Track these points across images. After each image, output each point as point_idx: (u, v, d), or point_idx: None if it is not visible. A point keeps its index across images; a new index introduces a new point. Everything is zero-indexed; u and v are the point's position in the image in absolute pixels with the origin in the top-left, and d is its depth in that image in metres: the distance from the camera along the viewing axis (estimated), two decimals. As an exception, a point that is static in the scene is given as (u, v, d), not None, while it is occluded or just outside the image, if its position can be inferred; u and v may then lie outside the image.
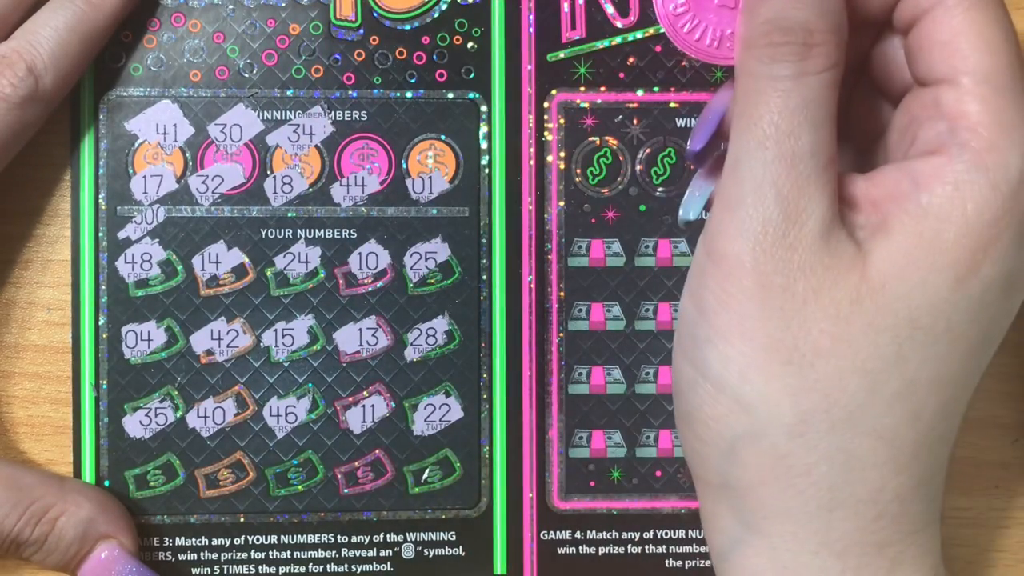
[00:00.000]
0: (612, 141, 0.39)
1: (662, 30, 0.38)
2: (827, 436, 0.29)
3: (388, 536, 0.39)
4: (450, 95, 0.39)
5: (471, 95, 0.39)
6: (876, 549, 0.29)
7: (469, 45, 0.39)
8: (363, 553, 0.39)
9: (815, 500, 0.29)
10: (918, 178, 0.29)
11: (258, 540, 0.39)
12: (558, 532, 0.39)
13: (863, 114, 0.35)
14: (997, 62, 0.29)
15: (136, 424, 0.38)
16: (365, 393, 0.39)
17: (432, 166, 0.39)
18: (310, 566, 0.39)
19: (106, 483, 0.38)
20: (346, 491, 0.39)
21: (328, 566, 0.39)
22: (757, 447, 0.29)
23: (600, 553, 0.39)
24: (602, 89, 0.39)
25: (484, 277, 0.39)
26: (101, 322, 0.38)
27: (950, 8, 0.30)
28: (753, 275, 0.29)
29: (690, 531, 0.39)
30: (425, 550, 0.39)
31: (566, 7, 0.39)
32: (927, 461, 0.30)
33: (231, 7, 0.38)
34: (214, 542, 0.39)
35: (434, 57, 0.39)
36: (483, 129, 0.39)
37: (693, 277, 0.31)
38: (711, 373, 0.30)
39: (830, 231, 0.29)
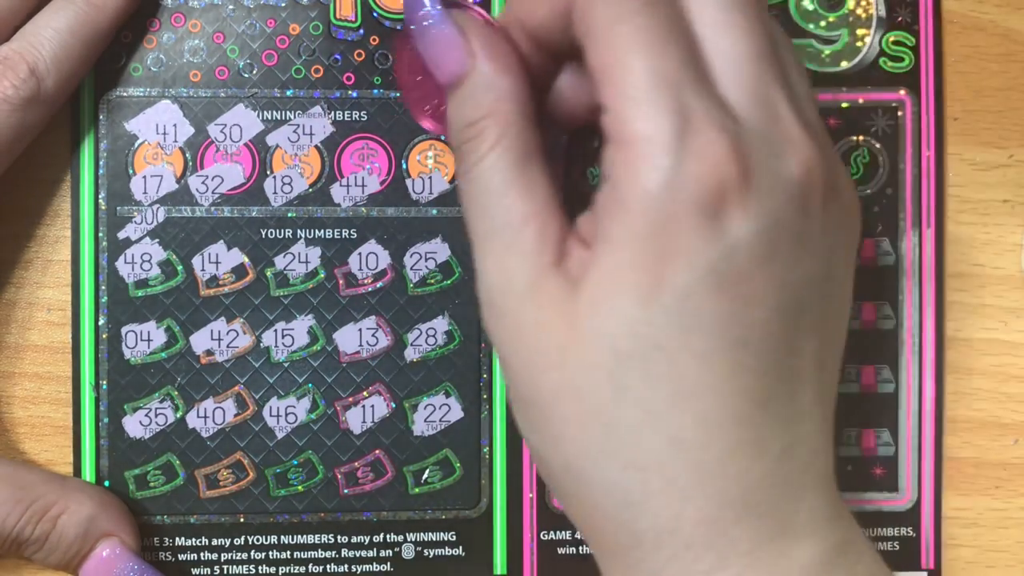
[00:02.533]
0: (612, 141, 0.39)
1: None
2: (595, 477, 0.29)
3: (388, 536, 0.39)
4: (450, 95, 0.39)
5: (471, 95, 0.39)
6: None
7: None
8: (363, 553, 0.39)
9: (620, 539, 0.29)
10: (597, 208, 0.29)
11: (258, 540, 0.39)
12: (558, 532, 0.39)
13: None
14: (631, 76, 0.28)
15: (136, 424, 0.38)
16: (365, 393, 0.39)
17: (432, 166, 0.39)
18: (310, 566, 0.39)
19: (106, 483, 0.38)
20: (346, 491, 0.39)
21: (328, 566, 0.39)
22: (572, 510, 0.31)
23: (600, 553, 0.39)
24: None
25: (484, 277, 0.39)
26: (101, 322, 0.38)
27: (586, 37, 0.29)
28: (499, 346, 0.30)
29: (690, 531, 0.39)
30: (425, 550, 0.39)
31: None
32: (730, 479, 0.28)
33: (231, 7, 0.38)
34: (214, 542, 0.39)
35: (434, 57, 0.39)
36: (483, 129, 0.39)
37: None
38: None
39: (538, 286, 0.29)
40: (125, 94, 0.38)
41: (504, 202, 0.30)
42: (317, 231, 0.39)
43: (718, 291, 0.28)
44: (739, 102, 0.28)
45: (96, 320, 0.38)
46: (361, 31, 0.39)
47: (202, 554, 0.39)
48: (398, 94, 0.39)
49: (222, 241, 0.38)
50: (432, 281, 0.39)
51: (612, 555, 0.30)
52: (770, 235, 0.28)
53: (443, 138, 0.39)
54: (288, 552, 0.39)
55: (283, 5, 0.38)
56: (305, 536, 0.39)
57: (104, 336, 0.38)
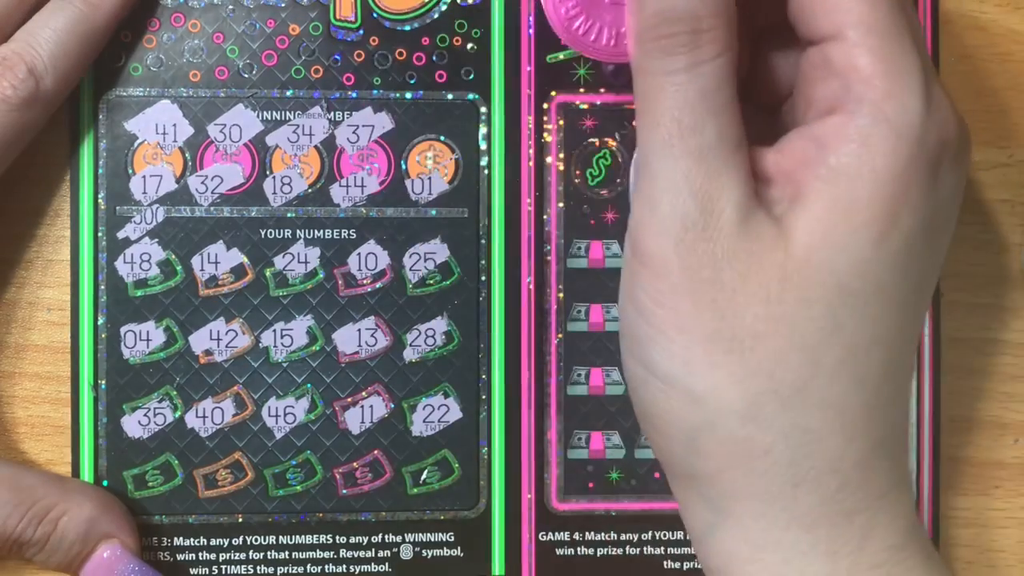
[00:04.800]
0: (611, 142, 0.39)
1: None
2: (779, 415, 0.29)
3: (386, 537, 0.39)
4: (450, 96, 0.39)
5: (470, 96, 0.39)
6: (845, 518, 0.29)
7: (469, 46, 0.39)
8: (361, 554, 0.39)
9: (778, 478, 0.29)
10: (822, 140, 0.29)
11: (256, 540, 0.39)
12: (556, 533, 0.39)
13: (766, 81, 0.34)
14: (878, 10, 0.29)
15: (135, 424, 0.38)
16: (364, 394, 0.39)
17: (431, 167, 0.39)
18: (308, 566, 0.39)
19: (104, 483, 0.38)
20: (344, 492, 0.39)
21: (326, 567, 0.39)
22: (714, 436, 0.29)
23: (598, 554, 0.39)
24: (601, 91, 0.39)
25: (483, 278, 0.39)
26: (100, 322, 0.38)
27: None
28: (680, 272, 0.29)
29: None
30: (423, 551, 0.39)
31: (565, 8, 0.39)
32: (880, 423, 0.29)
33: (231, 7, 0.38)
34: (212, 542, 0.39)
35: (434, 58, 0.39)
36: (482, 130, 0.39)
37: (625, 278, 0.31)
38: (659, 370, 0.30)
39: (748, 215, 0.29)
40: (125, 94, 0.38)
41: (723, 118, 0.29)
42: (316, 231, 0.39)
43: (929, 241, 0.29)
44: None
45: (95, 320, 0.38)
46: (361, 31, 0.39)
47: (200, 554, 0.39)
48: (410, 95, 0.39)
49: (221, 241, 0.38)
50: (431, 282, 0.39)
51: (763, 495, 0.30)
52: (955, 194, 0.30)
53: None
54: (286, 552, 0.39)
55: (283, 5, 0.38)
56: (303, 536, 0.39)
57: (103, 336, 0.38)
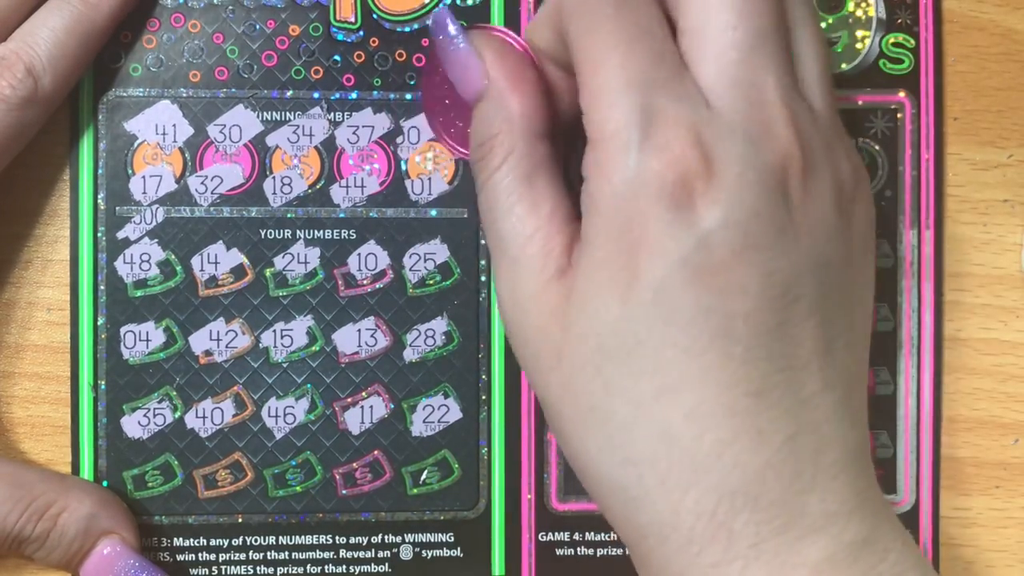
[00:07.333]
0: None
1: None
2: (600, 481, 0.30)
3: (386, 537, 0.39)
4: (449, 96, 0.39)
5: (470, 96, 0.39)
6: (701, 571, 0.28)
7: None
8: (361, 554, 0.39)
9: (625, 536, 0.31)
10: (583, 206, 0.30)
11: (256, 541, 0.39)
12: (556, 533, 0.39)
13: None
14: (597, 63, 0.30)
15: (134, 424, 0.38)
16: (364, 394, 0.39)
17: (431, 168, 0.39)
18: (308, 567, 0.39)
19: (104, 483, 0.38)
20: (344, 492, 0.39)
21: (326, 567, 0.39)
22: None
23: (598, 554, 0.39)
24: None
25: (483, 278, 0.39)
26: (100, 322, 0.38)
27: None
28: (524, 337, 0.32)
29: (689, 533, 0.39)
30: (423, 551, 0.39)
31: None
32: (715, 469, 0.28)
33: (231, 8, 0.38)
34: (212, 543, 0.39)
35: (433, 58, 0.39)
36: (482, 130, 0.39)
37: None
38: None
39: (538, 299, 0.30)
40: (124, 94, 0.38)
41: (511, 218, 0.31)
42: (316, 232, 0.39)
43: (695, 282, 0.28)
44: (716, 90, 0.29)
45: (95, 320, 0.38)
46: (361, 32, 0.39)
47: (200, 554, 0.39)
48: (410, 95, 0.39)
49: (221, 241, 0.38)
50: (431, 282, 0.39)
51: (630, 547, 0.30)
52: (746, 224, 0.28)
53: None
54: (286, 552, 0.39)
55: (283, 6, 0.38)
56: (303, 536, 0.39)
57: (103, 336, 0.38)
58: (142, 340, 0.38)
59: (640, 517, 0.29)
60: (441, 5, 0.37)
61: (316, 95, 0.39)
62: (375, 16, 0.39)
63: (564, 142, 0.34)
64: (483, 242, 0.39)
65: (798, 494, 0.28)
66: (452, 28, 0.33)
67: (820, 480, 0.28)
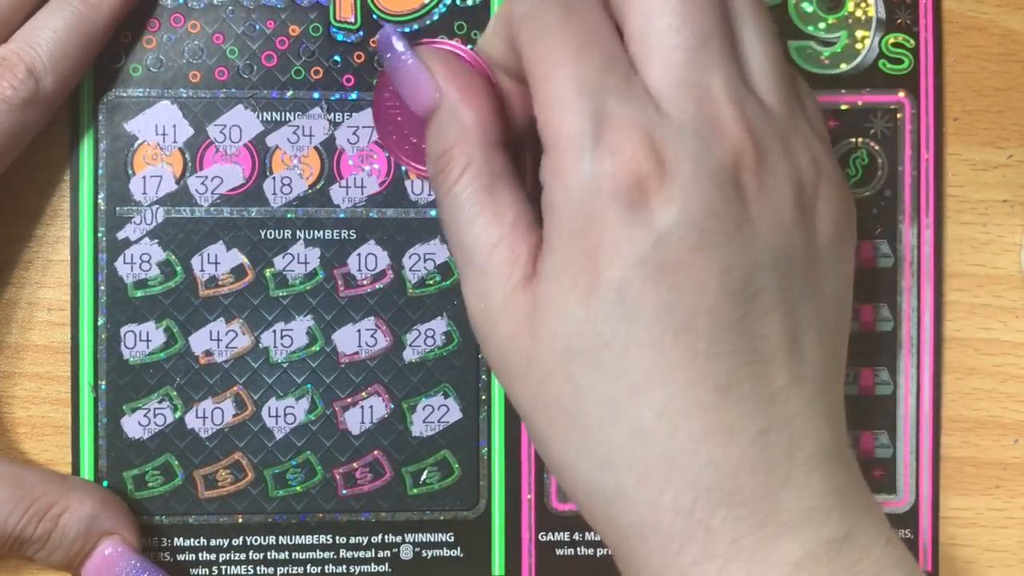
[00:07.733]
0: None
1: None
2: (580, 484, 0.30)
3: (386, 537, 0.39)
4: (449, 96, 0.39)
5: (470, 96, 0.39)
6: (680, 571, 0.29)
7: (469, 47, 0.39)
8: (361, 554, 0.39)
9: (607, 537, 0.30)
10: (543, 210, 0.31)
11: (256, 541, 0.39)
12: (556, 533, 0.39)
13: None
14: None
15: (135, 425, 0.38)
16: (364, 394, 0.39)
17: (431, 168, 0.39)
18: (308, 567, 0.39)
19: (104, 484, 0.38)
20: (344, 492, 0.39)
21: (326, 567, 0.39)
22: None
23: (598, 554, 0.39)
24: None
25: (483, 278, 0.39)
26: (100, 323, 0.38)
27: None
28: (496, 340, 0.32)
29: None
30: (423, 551, 0.39)
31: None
32: (688, 468, 0.28)
33: (231, 8, 0.38)
34: (212, 543, 0.39)
35: (433, 59, 0.39)
36: (482, 130, 0.39)
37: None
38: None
39: (506, 308, 0.30)
40: (124, 94, 0.38)
41: (474, 229, 0.31)
42: (316, 232, 0.39)
43: (655, 281, 0.28)
44: (664, 92, 0.29)
45: (95, 320, 0.38)
46: (361, 33, 0.39)
47: (200, 554, 0.39)
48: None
49: (221, 242, 0.38)
50: (431, 282, 0.39)
51: (612, 549, 0.30)
52: (701, 221, 0.28)
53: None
54: (286, 552, 0.39)
55: (283, 6, 0.39)
56: (303, 537, 0.39)
57: (103, 336, 0.38)
58: (142, 340, 0.38)
59: (621, 518, 0.29)
60: (385, 26, 0.37)
61: (316, 95, 0.39)
62: (375, 16, 0.39)
63: (522, 150, 0.34)
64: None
65: (774, 490, 0.28)
66: (399, 45, 0.33)
67: (795, 476, 0.28)
